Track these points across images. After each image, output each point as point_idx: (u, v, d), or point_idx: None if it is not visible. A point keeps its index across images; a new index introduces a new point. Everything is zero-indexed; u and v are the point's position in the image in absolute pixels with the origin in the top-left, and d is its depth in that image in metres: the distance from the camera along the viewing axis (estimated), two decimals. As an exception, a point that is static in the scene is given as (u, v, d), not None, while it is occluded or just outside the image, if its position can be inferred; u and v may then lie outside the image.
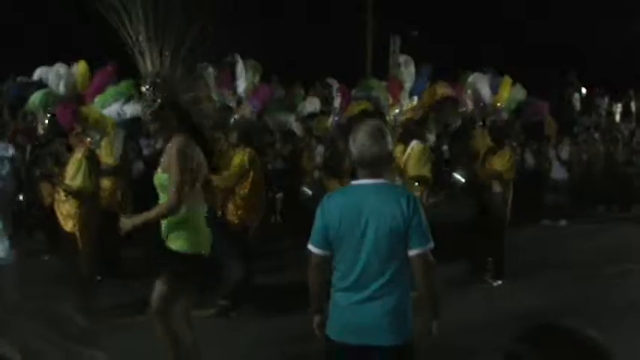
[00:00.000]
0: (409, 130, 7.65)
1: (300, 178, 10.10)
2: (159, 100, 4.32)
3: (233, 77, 10.19)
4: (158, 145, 11.56)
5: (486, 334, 5.45)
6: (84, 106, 8.07)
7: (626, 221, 12.10)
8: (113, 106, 8.02)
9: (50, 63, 9.14)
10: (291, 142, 10.51)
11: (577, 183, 13.08)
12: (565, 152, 12.94)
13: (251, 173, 7.03)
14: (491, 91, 10.23)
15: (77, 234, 6.41)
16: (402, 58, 9.91)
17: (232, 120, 7.85)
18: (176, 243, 4.34)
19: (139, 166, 10.98)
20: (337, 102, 10.88)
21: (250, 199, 7.02)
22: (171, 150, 4.27)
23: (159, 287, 4.38)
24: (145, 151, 11.65)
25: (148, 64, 4.48)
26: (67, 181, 6.41)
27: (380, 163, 3.20)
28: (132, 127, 8.14)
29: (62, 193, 6.49)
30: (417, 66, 10.18)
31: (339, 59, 16.45)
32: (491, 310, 6.70)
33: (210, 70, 8.92)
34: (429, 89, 9.21)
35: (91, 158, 6.60)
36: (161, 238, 4.44)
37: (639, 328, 5.86)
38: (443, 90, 9.11)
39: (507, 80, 10.63)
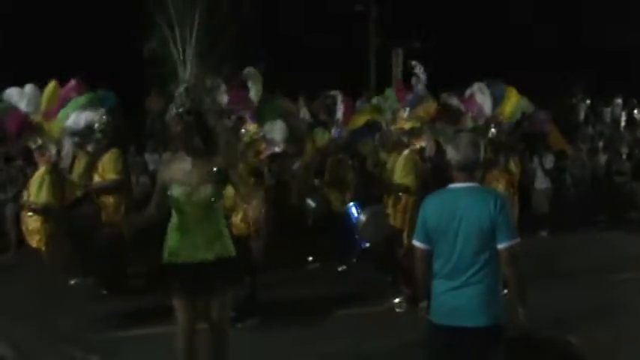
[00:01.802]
0: (399, 140, 7.69)
1: (289, 190, 10.13)
2: (186, 105, 4.48)
3: (244, 93, 9.81)
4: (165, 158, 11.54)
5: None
6: (46, 122, 8.01)
7: (616, 230, 12.11)
8: (71, 117, 7.90)
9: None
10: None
11: (567, 194, 13.08)
12: (549, 162, 12.89)
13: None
14: (494, 104, 9.84)
15: (43, 249, 6.40)
16: (418, 69, 9.67)
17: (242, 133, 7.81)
18: (225, 250, 4.44)
19: (144, 180, 11.00)
20: (340, 114, 10.83)
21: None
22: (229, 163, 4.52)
23: (223, 302, 4.43)
24: (152, 167, 11.71)
25: (187, 71, 4.75)
26: (32, 198, 6.40)
27: (477, 168, 3.79)
28: (86, 137, 7.98)
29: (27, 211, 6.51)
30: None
31: (342, 73, 16.49)
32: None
33: (223, 86, 8.69)
34: (424, 104, 9.16)
35: (55, 172, 6.60)
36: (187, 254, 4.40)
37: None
38: (437, 105, 9.13)
39: (512, 92, 10.03)
